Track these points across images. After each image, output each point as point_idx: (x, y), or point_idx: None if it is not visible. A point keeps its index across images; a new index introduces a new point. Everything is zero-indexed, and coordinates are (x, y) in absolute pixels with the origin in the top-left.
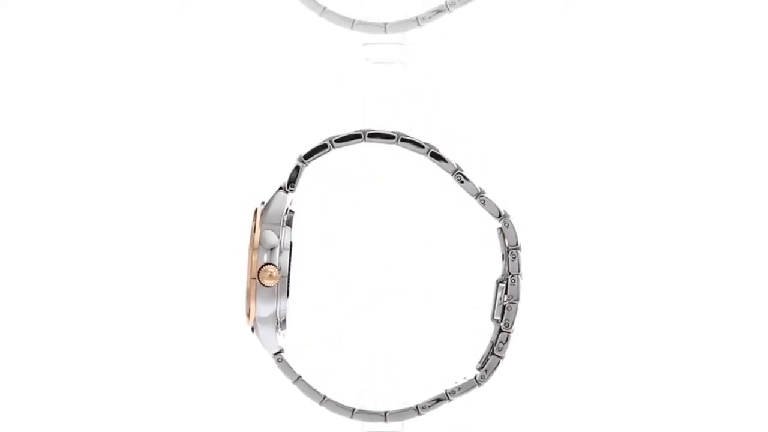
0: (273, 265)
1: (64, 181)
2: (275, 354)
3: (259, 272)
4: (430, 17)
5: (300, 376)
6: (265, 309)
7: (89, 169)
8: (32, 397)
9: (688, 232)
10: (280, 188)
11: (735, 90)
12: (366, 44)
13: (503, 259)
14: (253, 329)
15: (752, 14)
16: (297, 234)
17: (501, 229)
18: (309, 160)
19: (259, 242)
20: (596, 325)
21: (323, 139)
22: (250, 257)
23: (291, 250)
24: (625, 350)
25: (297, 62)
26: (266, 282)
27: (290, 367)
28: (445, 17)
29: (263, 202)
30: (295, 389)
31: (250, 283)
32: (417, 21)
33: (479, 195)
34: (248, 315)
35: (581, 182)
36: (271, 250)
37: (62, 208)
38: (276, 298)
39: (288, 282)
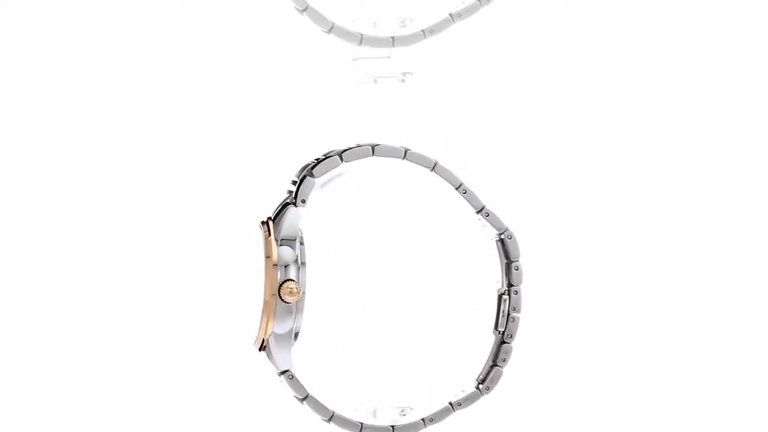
0: (293, 280)
1: (60, 191)
2: (285, 371)
3: (280, 288)
4: (436, 30)
5: (309, 393)
6: (283, 326)
7: (78, 178)
8: (32, 406)
9: (692, 241)
10: (288, 203)
11: (735, 90)
12: (356, 59)
13: (504, 271)
14: (263, 347)
15: (752, 14)
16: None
17: (502, 240)
18: (318, 175)
19: (277, 258)
20: (597, 332)
21: (331, 154)
22: (269, 274)
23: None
24: (628, 357)
25: (300, 76)
26: (287, 298)
27: (301, 384)
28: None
29: (270, 217)
30: (293, 406)
31: (270, 299)
32: (424, 34)
33: (482, 209)
34: (263, 332)
35: (582, 192)
36: (285, 266)
37: (60, 218)
38: (293, 314)
39: None
